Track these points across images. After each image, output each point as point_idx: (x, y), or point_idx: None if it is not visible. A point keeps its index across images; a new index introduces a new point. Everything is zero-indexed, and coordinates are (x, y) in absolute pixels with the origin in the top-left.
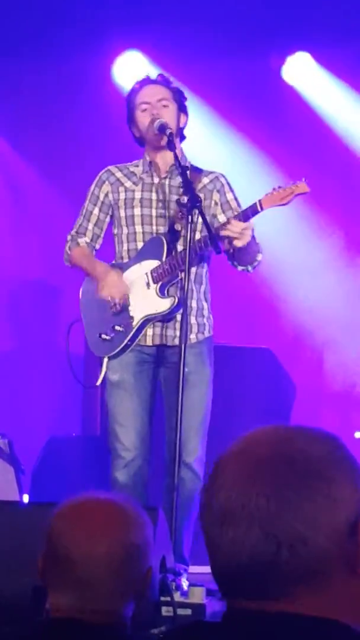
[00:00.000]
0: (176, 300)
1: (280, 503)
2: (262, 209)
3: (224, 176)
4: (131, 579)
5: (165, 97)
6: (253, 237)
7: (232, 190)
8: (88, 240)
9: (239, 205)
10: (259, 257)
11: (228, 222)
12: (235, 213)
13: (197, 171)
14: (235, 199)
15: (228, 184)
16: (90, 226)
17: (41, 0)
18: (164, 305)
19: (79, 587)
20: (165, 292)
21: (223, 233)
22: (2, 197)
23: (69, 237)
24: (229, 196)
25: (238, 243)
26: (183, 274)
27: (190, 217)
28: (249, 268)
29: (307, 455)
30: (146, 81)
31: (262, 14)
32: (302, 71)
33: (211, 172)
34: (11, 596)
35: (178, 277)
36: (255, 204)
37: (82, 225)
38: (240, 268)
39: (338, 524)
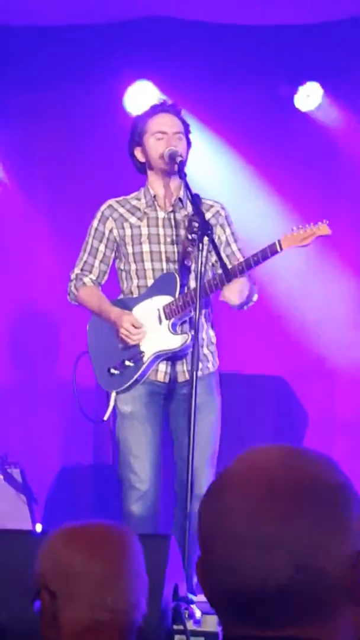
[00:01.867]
0: (189, 337)
1: (296, 530)
2: (281, 249)
3: (224, 208)
4: (133, 589)
5: (180, 130)
6: (250, 277)
7: (230, 224)
8: (94, 278)
9: (236, 239)
10: (255, 297)
11: (229, 280)
12: (234, 250)
13: (199, 199)
14: (233, 233)
15: (227, 216)
16: (97, 263)
17: (53, 30)
18: (175, 342)
19: (83, 599)
20: (177, 328)
21: (221, 299)
22: (10, 228)
23: (72, 276)
24: (228, 231)
25: (237, 302)
26: (194, 311)
27: (200, 244)
28: (244, 307)
29: (320, 480)
30: (161, 108)
31: (272, 45)
32: (312, 100)
33: (211, 205)
34: (23, 625)
35: (190, 314)
36: (274, 244)
37: (87, 262)
38: (236, 308)
39: (348, 552)
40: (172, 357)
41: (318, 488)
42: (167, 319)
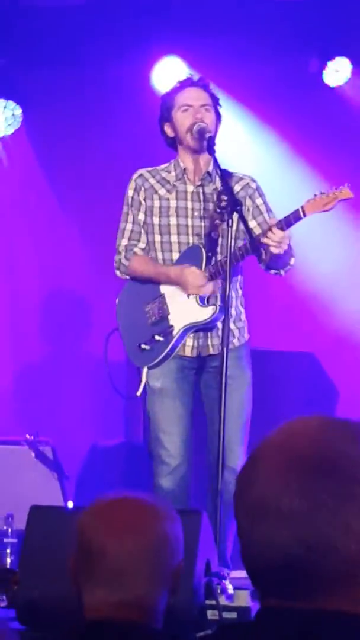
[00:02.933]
0: (217, 308)
1: (314, 505)
2: (304, 215)
3: (254, 180)
4: (162, 570)
5: (207, 102)
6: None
7: (262, 195)
8: (143, 246)
9: (268, 209)
10: (292, 261)
11: (269, 230)
12: (266, 218)
13: (229, 175)
14: (265, 203)
15: (258, 188)
16: (142, 231)
17: (79, 8)
18: (205, 314)
19: (114, 579)
20: (205, 301)
21: (263, 241)
22: (38, 205)
23: (120, 248)
24: (259, 201)
25: (275, 251)
26: (224, 282)
27: (230, 220)
28: (282, 272)
29: (346, 458)
30: (189, 83)
31: (300, 20)
32: (341, 75)
33: (241, 178)
34: (57, 602)
35: (218, 286)
36: (297, 210)
37: (134, 231)
38: (272, 272)
39: None
40: (201, 330)
41: (340, 464)
42: None
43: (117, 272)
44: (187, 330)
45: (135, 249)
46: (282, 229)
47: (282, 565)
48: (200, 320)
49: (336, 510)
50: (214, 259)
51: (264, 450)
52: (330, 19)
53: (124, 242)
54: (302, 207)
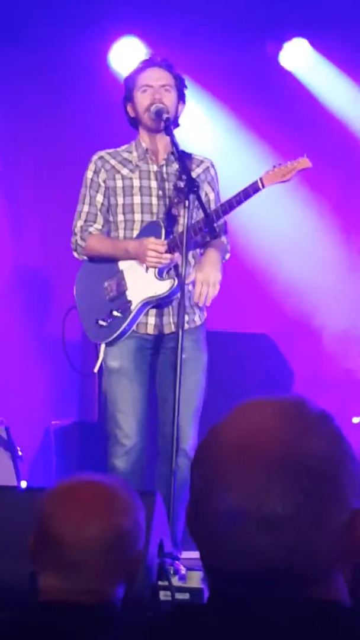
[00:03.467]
0: (175, 282)
1: (296, 509)
2: (263, 186)
3: (213, 167)
4: (121, 561)
5: (168, 82)
6: (225, 230)
7: (217, 183)
8: (99, 227)
9: (218, 200)
10: (227, 256)
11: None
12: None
13: (188, 157)
14: (217, 193)
15: (216, 176)
16: (99, 212)
17: None
18: (163, 287)
19: (69, 569)
20: (164, 274)
21: (195, 299)
22: None
23: (76, 229)
24: (212, 196)
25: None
26: (181, 257)
27: (187, 201)
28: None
29: (317, 456)
30: (150, 63)
31: (259, 1)
32: (299, 57)
33: (202, 161)
34: (9, 582)
35: (176, 261)
36: (256, 181)
37: (90, 212)
38: None
39: (343, 523)
40: (160, 305)
41: (314, 464)
42: None
43: (75, 254)
44: (145, 304)
45: (91, 229)
46: (239, 201)
47: (261, 570)
48: (158, 293)
49: (318, 512)
50: (172, 234)
51: (227, 452)
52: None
53: (80, 223)
54: (260, 178)
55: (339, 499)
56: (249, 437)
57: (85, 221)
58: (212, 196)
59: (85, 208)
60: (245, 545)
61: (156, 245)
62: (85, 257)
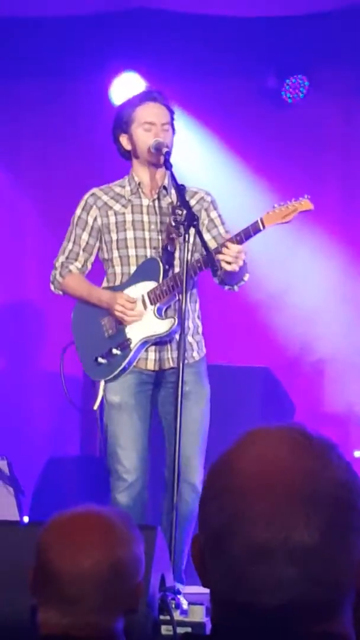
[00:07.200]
0: (175, 322)
1: (322, 539)
2: (264, 227)
3: (209, 194)
4: (120, 592)
5: (167, 120)
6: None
7: (216, 208)
8: (79, 266)
9: (223, 222)
10: (246, 277)
11: (224, 245)
12: (220, 231)
13: (184, 190)
14: (220, 216)
15: (213, 201)
16: (81, 251)
17: (39, 21)
18: (163, 327)
19: (67, 602)
20: (163, 313)
21: (218, 257)
22: None
23: (57, 264)
24: (213, 214)
25: (229, 268)
26: (180, 295)
27: (186, 235)
28: (235, 288)
29: (335, 483)
30: (148, 97)
31: (259, 37)
32: (297, 92)
33: (196, 192)
34: (11, 616)
35: (175, 299)
36: (256, 222)
37: (73, 250)
38: (226, 287)
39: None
40: (159, 343)
41: (330, 488)
42: (152, 304)
43: (52, 287)
44: (144, 343)
45: (71, 267)
46: (240, 241)
47: (282, 604)
48: (158, 332)
49: (340, 541)
50: (170, 271)
51: (248, 483)
52: (289, 37)
53: (62, 258)
54: (261, 218)
55: (358, 526)
56: (268, 468)
57: (67, 258)
58: (208, 220)
59: (69, 246)
60: (270, 580)
61: (125, 302)
62: (60, 292)
